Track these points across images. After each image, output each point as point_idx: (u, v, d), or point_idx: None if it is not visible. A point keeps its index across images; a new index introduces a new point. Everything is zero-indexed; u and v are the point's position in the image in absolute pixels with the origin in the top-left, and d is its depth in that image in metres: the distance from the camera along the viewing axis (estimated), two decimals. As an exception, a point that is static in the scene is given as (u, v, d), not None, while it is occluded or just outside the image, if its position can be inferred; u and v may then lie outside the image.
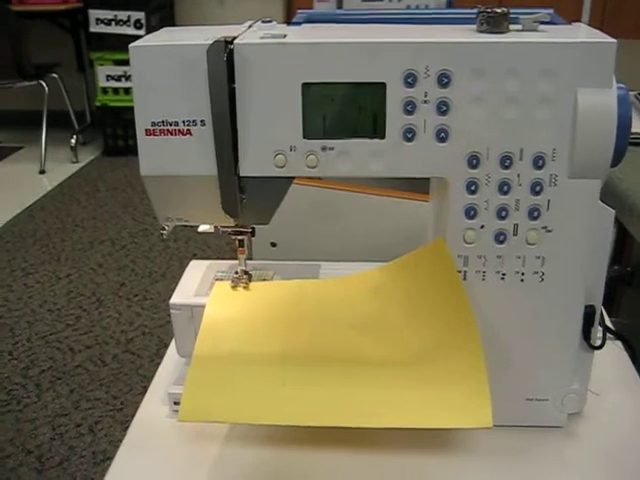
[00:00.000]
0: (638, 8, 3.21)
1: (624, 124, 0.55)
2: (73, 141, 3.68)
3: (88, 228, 2.87)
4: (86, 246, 2.71)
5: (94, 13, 3.52)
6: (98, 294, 2.35)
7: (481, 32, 0.57)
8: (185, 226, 0.65)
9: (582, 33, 0.58)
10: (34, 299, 2.32)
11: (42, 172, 3.52)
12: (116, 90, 3.65)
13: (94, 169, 3.59)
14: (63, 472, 1.58)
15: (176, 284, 0.71)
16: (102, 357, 2.00)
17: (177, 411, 0.64)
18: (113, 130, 3.71)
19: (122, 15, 3.50)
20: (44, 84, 3.54)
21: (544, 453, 0.64)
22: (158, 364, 0.76)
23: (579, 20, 0.63)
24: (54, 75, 3.63)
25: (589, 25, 0.61)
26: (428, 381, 0.58)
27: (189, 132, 0.58)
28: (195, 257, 2.52)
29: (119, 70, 3.60)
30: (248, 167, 0.59)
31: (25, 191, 3.28)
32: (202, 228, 0.68)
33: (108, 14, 3.51)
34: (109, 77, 3.62)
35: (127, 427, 0.67)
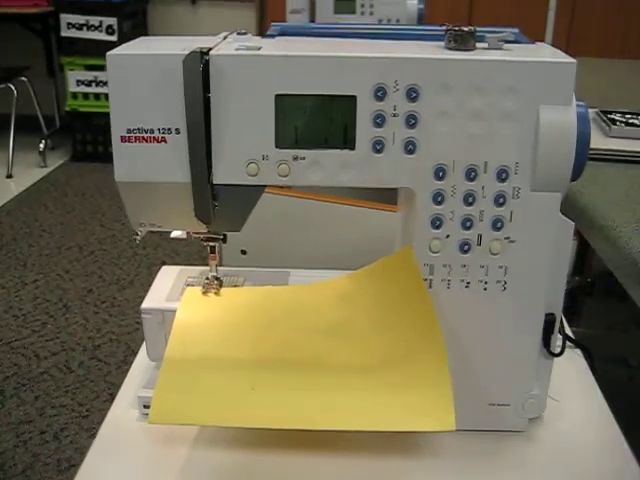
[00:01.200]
0: (602, 28, 3.30)
1: (583, 140, 0.58)
2: (42, 146, 3.64)
3: (55, 233, 2.85)
4: (53, 252, 2.68)
5: (65, 17, 3.49)
6: (65, 300, 2.33)
7: (449, 49, 0.59)
8: (158, 232, 0.66)
9: (545, 52, 0.61)
10: (-1, 304, 2.29)
11: (9, 176, 3.47)
12: (86, 95, 3.62)
13: (62, 174, 3.56)
14: (26, 480, 1.57)
15: (144, 291, 0.71)
16: (68, 364, 1.99)
17: (147, 414, 0.64)
18: (82, 135, 3.68)
19: (94, 20, 3.48)
20: (13, 87, 3.50)
21: (505, 457, 0.66)
22: (125, 371, 0.76)
23: (543, 39, 0.66)
24: (23, 78, 3.59)
25: (553, 44, 0.64)
26: (393, 385, 0.60)
27: (164, 140, 0.59)
28: (164, 264, 2.51)
29: (90, 75, 3.58)
30: (221, 175, 0.60)
31: (-9, 195, 3.24)
32: (175, 234, 0.69)
33: (80, 19, 3.49)
34: (79, 82, 3.59)
35: (93, 434, 0.67)
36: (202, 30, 3.71)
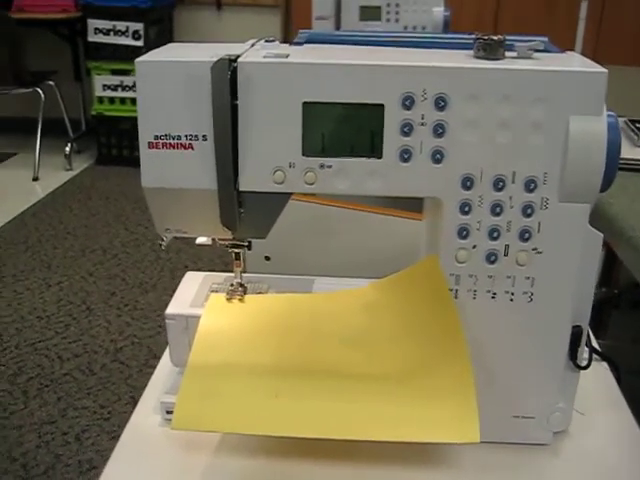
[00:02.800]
0: (630, 37, 3.27)
1: (613, 151, 0.57)
2: (67, 149, 3.69)
3: (80, 236, 2.87)
4: (77, 254, 2.71)
5: (93, 23, 3.54)
6: (88, 302, 2.35)
7: (477, 58, 0.59)
8: (183, 238, 0.66)
9: (575, 62, 0.60)
10: (24, 306, 2.32)
11: (35, 179, 3.52)
12: (112, 100, 3.66)
13: (87, 177, 3.59)
14: (48, 480, 1.58)
15: (167, 295, 0.72)
16: (90, 366, 2.00)
17: (169, 420, 0.65)
18: (108, 139, 3.72)
19: (121, 26, 3.53)
20: (40, 91, 3.55)
21: (529, 470, 0.65)
22: (147, 374, 0.77)
23: (572, 48, 0.65)
24: (50, 83, 3.64)
25: (582, 53, 0.63)
26: (417, 396, 0.59)
27: (191, 146, 0.59)
28: (186, 268, 2.52)
29: (116, 80, 3.62)
30: (247, 182, 0.60)
31: (18, 198, 3.28)
32: (200, 240, 0.69)
33: (107, 24, 3.53)
34: (105, 86, 3.64)
35: (114, 436, 0.68)
36: (227, 35, 3.73)
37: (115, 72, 3.59)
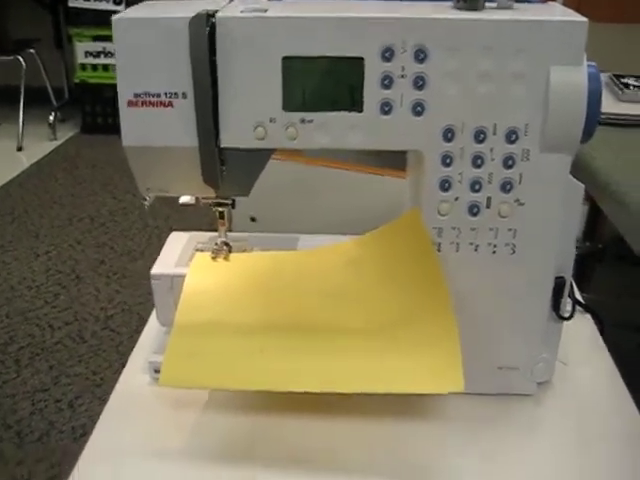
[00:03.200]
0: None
1: (594, 100, 0.57)
2: (51, 118, 3.64)
3: (67, 205, 2.85)
4: (64, 223, 2.70)
5: (73, -12, 3.47)
6: (77, 271, 2.35)
7: (457, 9, 0.58)
8: (168, 201, 0.66)
9: (555, 12, 0.60)
10: (13, 276, 2.31)
11: (20, 149, 3.48)
12: (95, 67, 3.60)
13: (73, 146, 3.56)
14: (42, 447, 1.59)
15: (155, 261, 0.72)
16: (81, 334, 2.01)
17: (157, 379, 0.65)
18: (92, 107, 3.67)
19: (101, -10, 3.46)
20: (21, 60, 3.49)
21: (514, 420, 0.66)
22: (137, 341, 0.77)
23: (554, -1, 0.64)
24: (32, 51, 3.58)
25: (564, 5, 0.63)
26: (401, 347, 0.60)
27: (171, 104, 0.59)
28: (175, 235, 2.51)
29: (98, 46, 3.56)
30: (228, 139, 0.60)
31: (2, 168, 3.24)
32: (183, 199, 0.69)
33: (87, -11, 3.47)
34: (88, 53, 3.58)
35: (107, 402, 0.68)
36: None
37: (97, 38, 3.53)
